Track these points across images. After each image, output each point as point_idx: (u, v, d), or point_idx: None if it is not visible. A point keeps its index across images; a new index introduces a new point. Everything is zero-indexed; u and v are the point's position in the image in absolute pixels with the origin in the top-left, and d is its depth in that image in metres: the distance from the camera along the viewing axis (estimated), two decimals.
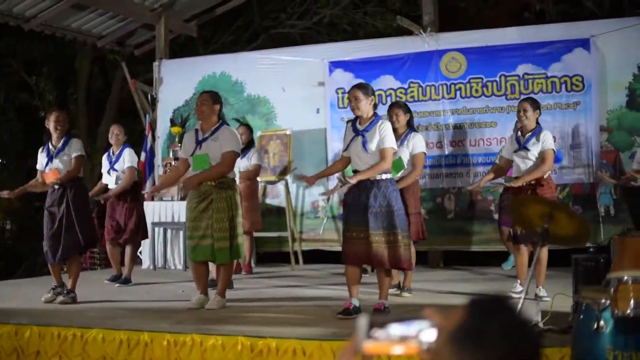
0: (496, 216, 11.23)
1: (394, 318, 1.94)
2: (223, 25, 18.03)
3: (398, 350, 1.92)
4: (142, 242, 11.67)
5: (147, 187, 12.72)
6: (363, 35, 16.32)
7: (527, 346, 1.72)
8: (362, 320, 1.95)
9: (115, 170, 10.55)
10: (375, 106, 7.55)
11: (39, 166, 9.07)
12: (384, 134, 7.36)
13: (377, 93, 7.81)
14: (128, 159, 10.52)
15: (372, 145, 7.34)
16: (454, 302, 7.02)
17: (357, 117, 7.55)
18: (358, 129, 7.49)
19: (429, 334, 1.88)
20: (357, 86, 7.60)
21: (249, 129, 11.80)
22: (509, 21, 15.15)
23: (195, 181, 8.07)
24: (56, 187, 8.77)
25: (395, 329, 1.92)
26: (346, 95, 12.18)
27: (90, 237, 8.98)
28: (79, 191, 8.88)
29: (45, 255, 8.90)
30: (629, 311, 4.73)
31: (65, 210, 8.69)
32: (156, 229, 12.58)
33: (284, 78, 13.13)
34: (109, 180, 10.61)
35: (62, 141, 8.92)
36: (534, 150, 8.35)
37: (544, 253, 8.13)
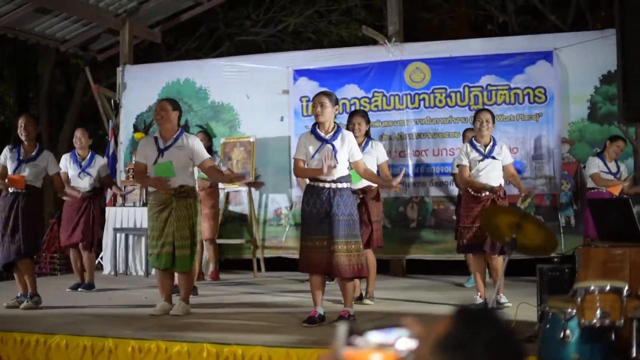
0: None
1: (374, 325, 1.95)
2: (187, 31, 18.02)
3: (376, 358, 1.92)
4: (103, 247, 11.60)
5: (108, 194, 12.68)
6: (327, 44, 16.38)
7: (513, 358, 1.75)
8: (342, 328, 1.96)
9: (88, 174, 10.50)
10: (335, 116, 7.58)
11: (2, 161, 8.93)
12: (352, 145, 7.43)
13: (341, 102, 7.86)
14: (105, 168, 10.64)
15: (342, 155, 7.35)
16: (416, 309, 7.09)
17: (317, 124, 7.52)
18: (322, 136, 7.44)
19: (408, 343, 1.89)
20: (324, 93, 7.59)
21: (208, 135, 11.80)
22: (472, 33, 15.28)
23: (233, 177, 8.83)
24: (10, 191, 8.72)
25: (375, 337, 1.93)
26: (310, 102, 12.34)
27: (31, 245, 8.79)
28: (31, 199, 8.78)
29: None
30: (595, 320, 4.82)
31: (14, 215, 8.61)
32: (118, 235, 12.51)
33: (248, 85, 13.12)
34: (80, 182, 10.51)
35: (35, 150, 8.89)
36: (500, 159, 8.50)
37: (499, 260, 8.19)
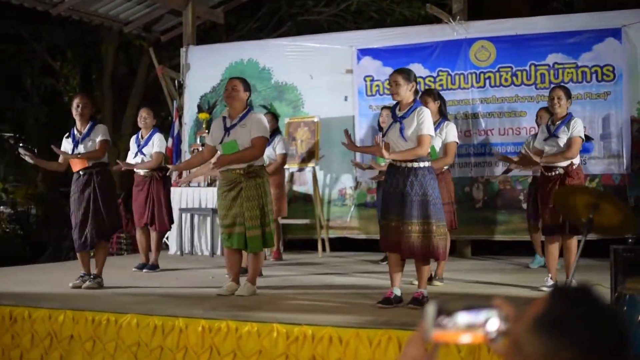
0: (525, 206, 11.21)
1: (463, 306, 1.93)
2: (249, 12, 18.01)
3: (465, 338, 1.90)
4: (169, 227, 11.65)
5: (174, 174, 12.75)
6: (390, 22, 16.26)
7: (614, 334, 1.70)
8: (430, 308, 1.94)
9: (142, 154, 10.48)
10: (416, 92, 7.43)
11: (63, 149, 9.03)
12: (421, 120, 7.18)
13: (416, 80, 7.63)
14: (157, 143, 10.49)
15: (409, 132, 7.18)
16: (484, 291, 7.00)
17: (397, 103, 7.44)
18: (397, 115, 7.34)
19: (497, 324, 1.86)
20: (398, 71, 7.40)
21: (275, 117, 11.79)
22: (536, 10, 15.05)
23: (226, 160, 7.99)
24: (81, 173, 8.76)
25: (463, 318, 1.90)
26: (376, 81, 12.29)
27: (115, 222, 8.98)
28: (105, 177, 8.84)
29: (75, 244, 8.89)
30: None
31: (92, 196, 8.66)
32: (183, 215, 12.60)
33: (311, 65, 13.11)
34: (135, 162, 10.58)
35: (87, 127, 8.86)
36: (563, 138, 8.20)
37: (573, 243, 8.07)
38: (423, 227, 7.11)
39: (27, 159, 9.02)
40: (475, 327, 1.89)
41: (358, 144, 12.30)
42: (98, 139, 8.83)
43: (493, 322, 1.87)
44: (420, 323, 1.96)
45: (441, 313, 1.93)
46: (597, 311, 1.70)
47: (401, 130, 7.20)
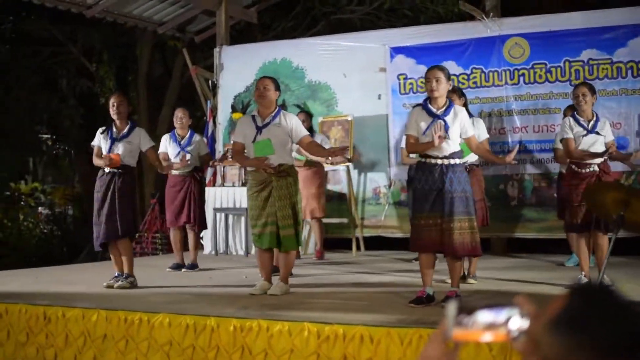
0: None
1: (484, 304, 1.90)
2: (283, 11, 18.02)
3: (487, 337, 1.88)
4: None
5: (208, 173, 12.79)
6: (424, 20, 16.19)
7: (634, 335, 1.67)
8: (451, 307, 1.92)
9: (187, 153, 10.51)
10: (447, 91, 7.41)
11: (96, 143, 9.07)
12: (464, 121, 7.24)
13: (451, 78, 7.61)
14: (204, 145, 10.74)
15: (454, 130, 7.17)
16: (518, 289, 6.95)
17: (427, 99, 7.35)
18: (434, 112, 7.27)
19: (519, 322, 1.84)
20: (439, 67, 7.35)
21: (309, 115, 11.81)
22: (570, 6, 14.95)
23: (328, 153, 8.58)
24: (106, 171, 8.83)
25: (485, 316, 1.88)
26: (409, 80, 12.26)
27: (128, 226, 8.88)
28: (127, 179, 8.87)
29: (94, 241, 8.97)
30: None
31: (110, 196, 8.72)
32: (218, 215, 12.64)
33: (344, 64, 13.11)
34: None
35: (127, 127, 8.95)
36: (604, 135, 8.23)
37: (604, 240, 8.00)
38: (468, 224, 7.09)
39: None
40: (497, 325, 1.86)
41: (392, 143, 12.32)
42: (147, 147, 9.02)
43: (515, 321, 1.85)
44: (441, 322, 1.94)
45: (462, 311, 1.91)
46: (616, 310, 1.67)
47: (447, 128, 7.16)
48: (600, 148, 8.20)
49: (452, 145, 7.20)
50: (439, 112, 7.25)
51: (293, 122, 8.19)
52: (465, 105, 8.84)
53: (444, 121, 7.18)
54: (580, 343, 1.63)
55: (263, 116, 8.20)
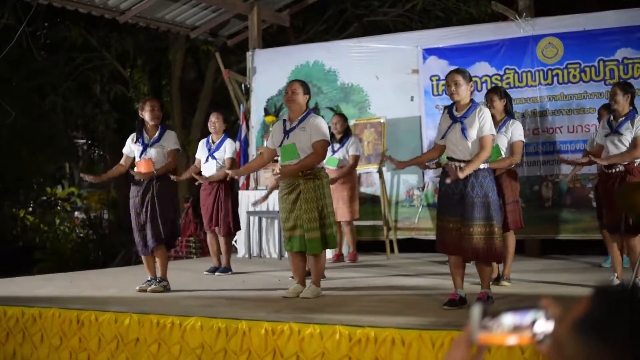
0: (595, 204, 11.03)
1: (507, 307, 1.88)
2: (314, 14, 18.02)
3: (512, 340, 1.86)
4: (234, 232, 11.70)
5: (242, 177, 12.82)
6: (457, 21, 16.13)
7: None
8: (475, 310, 1.90)
9: (214, 159, 10.50)
10: (471, 93, 7.38)
11: (126, 151, 9.10)
12: (483, 121, 7.13)
13: (472, 80, 7.59)
14: (229, 149, 10.54)
15: (472, 132, 7.10)
16: (553, 291, 6.88)
17: (453, 104, 7.35)
18: (455, 115, 7.26)
19: (544, 325, 1.81)
20: (457, 71, 7.36)
21: (344, 118, 11.76)
22: (604, 5, 14.84)
23: (288, 171, 8.02)
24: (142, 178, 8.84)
25: (509, 319, 1.86)
26: (442, 81, 12.18)
27: (171, 231, 8.92)
28: (164, 184, 8.86)
29: (137, 247, 9.00)
30: None
31: (150, 202, 8.70)
32: (251, 218, 12.63)
33: (377, 66, 13.09)
34: (207, 167, 10.58)
35: (158, 132, 8.93)
36: (627, 135, 8.04)
37: (637, 242, 7.91)
38: (485, 229, 7.05)
39: (89, 179, 9.22)
40: (522, 328, 1.84)
41: (425, 144, 12.26)
42: (170, 148, 8.92)
43: (540, 324, 1.82)
44: (466, 325, 1.92)
45: (486, 314, 1.89)
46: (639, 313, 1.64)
47: (463, 131, 7.12)
48: (621, 148, 8.07)
49: (474, 149, 7.16)
50: (458, 115, 7.25)
51: (315, 123, 8.11)
52: (506, 106, 8.73)
53: (463, 124, 7.16)
54: (602, 347, 1.61)
55: (292, 120, 8.21)
